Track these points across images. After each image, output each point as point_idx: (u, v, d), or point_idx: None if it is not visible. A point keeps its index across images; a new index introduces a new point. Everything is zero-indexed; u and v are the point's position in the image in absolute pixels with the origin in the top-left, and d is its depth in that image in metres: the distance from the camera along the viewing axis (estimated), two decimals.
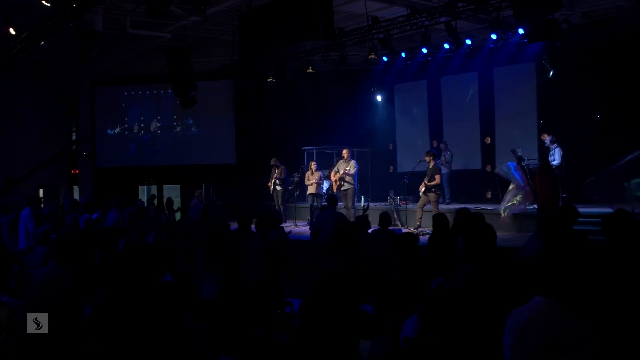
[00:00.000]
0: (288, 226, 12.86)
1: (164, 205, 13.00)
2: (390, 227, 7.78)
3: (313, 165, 13.61)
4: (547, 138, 11.92)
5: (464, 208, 6.91)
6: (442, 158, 13.97)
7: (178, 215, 12.23)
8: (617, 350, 3.48)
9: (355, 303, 4.92)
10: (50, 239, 5.96)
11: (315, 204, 13.18)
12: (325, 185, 14.55)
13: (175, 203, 14.58)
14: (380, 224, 7.55)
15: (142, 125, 18.29)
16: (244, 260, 6.88)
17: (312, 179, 13.42)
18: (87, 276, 5.11)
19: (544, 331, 2.80)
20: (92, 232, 8.38)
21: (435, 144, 15.51)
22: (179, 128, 18.16)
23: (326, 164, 15.62)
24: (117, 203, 11.00)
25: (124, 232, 8.78)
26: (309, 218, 13.27)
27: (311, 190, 13.43)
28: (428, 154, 11.77)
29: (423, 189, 11.49)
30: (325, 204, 9.85)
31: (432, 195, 11.34)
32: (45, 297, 4.19)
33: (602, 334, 3.20)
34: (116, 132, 18.27)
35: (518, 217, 11.48)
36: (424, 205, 11.49)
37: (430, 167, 11.51)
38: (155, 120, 18.22)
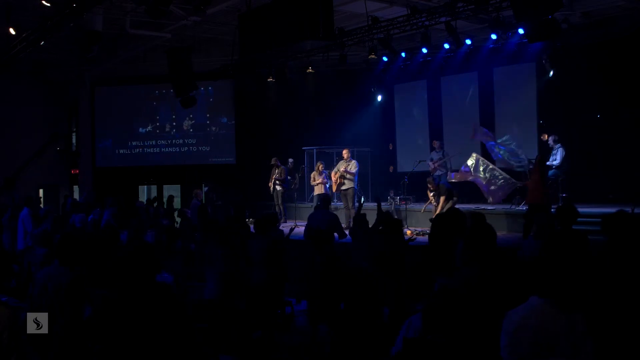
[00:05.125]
0: (288, 226, 12.84)
1: (165, 204, 13.00)
2: None
3: (321, 166, 13.50)
4: (550, 138, 11.91)
5: (453, 208, 6.89)
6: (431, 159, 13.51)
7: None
8: (615, 348, 3.48)
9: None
10: (53, 239, 5.96)
11: (319, 204, 13.09)
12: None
13: (176, 203, 14.60)
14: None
15: (144, 125, 18.30)
16: (246, 260, 6.88)
17: (318, 179, 13.35)
18: (88, 276, 5.11)
19: (537, 331, 2.81)
20: (90, 232, 8.38)
21: (435, 144, 15.50)
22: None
23: (326, 164, 15.61)
24: (114, 202, 10.99)
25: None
26: None
27: (317, 190, 13.35)
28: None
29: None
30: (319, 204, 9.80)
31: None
32: (46, 297, 4.20)
33: (600, 332, 3.20)
34: (118, 131, 18.28)
35: (518, 217, 11.49)
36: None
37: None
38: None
